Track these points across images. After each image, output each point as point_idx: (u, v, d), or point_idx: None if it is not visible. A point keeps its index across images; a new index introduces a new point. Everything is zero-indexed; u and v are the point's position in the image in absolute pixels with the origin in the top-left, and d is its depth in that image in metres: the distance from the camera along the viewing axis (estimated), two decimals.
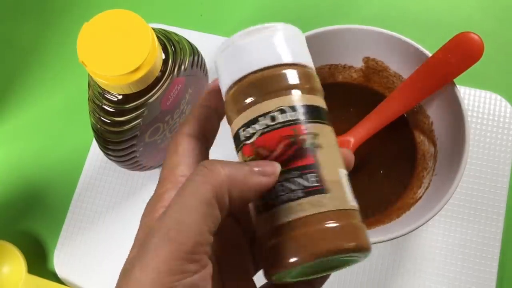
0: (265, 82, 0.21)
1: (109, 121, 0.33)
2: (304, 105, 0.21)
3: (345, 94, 0.42)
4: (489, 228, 0.41)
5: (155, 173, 0.44)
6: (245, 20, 0.48)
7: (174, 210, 0.19)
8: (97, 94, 0.32)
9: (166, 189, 0.22)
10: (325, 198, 0.20)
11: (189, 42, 0.36)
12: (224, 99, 0.23)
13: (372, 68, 0.40)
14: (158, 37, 0.31)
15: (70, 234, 0.43)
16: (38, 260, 0.43)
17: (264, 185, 0.20)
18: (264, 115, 0.21)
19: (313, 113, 0.21)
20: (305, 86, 0.22)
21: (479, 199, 0.42)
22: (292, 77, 0.21)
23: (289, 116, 0.21)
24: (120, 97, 0.31)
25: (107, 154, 0.38)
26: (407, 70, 0.37)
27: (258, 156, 0.21)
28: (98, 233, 0.43)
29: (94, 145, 0.45)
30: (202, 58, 0.39)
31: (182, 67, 0.34)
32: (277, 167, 0.21)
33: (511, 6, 0.48)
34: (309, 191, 0.20)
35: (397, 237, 0.32)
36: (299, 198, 0.20)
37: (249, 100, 0.21)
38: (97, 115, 0.33)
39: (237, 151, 0.22)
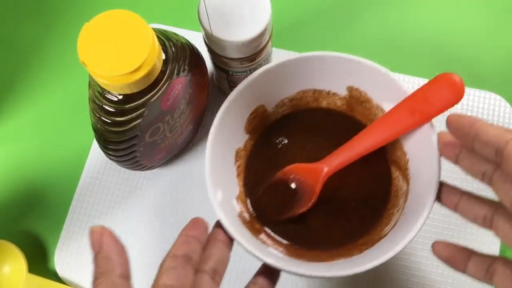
0: None
1: (109, 121, 0.33)
2: None
3: (327, 121, 0.41)
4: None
5: (156, 173, 0.44)
6: None
7: None
8: (97, 94, 0.32)
9: None
10: None
11: (189, 42, 0.36)
12: None
13: (356, 97, 0.39)
14: (158, 37, 0.31)
15: (70, 233, 0.43)
16: (39, 260, 0.43)
17: None
18: None
19: None
20: None
21: None
22: None
23: None
24: (120, 97, 0.31)
25: (107, 154, 0.38)
26: (389, 104, 0.37)
27: None
28: None
29: (95, 145, 0.45)
30: (202, 58, 0.39)
31: (182, 68, 0.34)
32: None
33: (511, 7, 0.48)
34: None
35: (353, 275, 0.31)
36: None
37: None
38: (98, 115, 0.33)
39: None
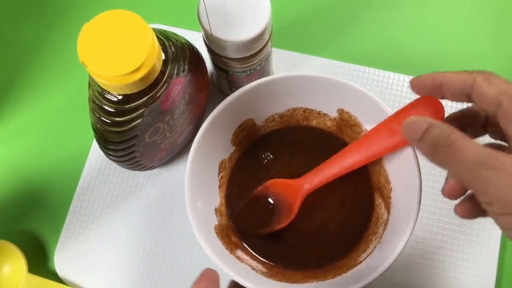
0: None
1: (109, 121, 0.33)
2: None
3: (316, 140, 0.41)
4: (489, 227, 0.41)
5: (155, 173, 0.44)
6: None
7: None
8: (97, 94, 0.32)
9: None
10: None
11: (188, 42, 0.36)
12: None
13: (346, 121, 0.39)
14: (158, 37, 0.31)
15: (70, 233, 0.43)
16: (39, 260, 0.43)
17: None
18: None
19: None
20: None
21: None
22: None
23: None
24: (120, 97, 0.31)
25: (107, 154, 0.38)
26: None
27: None
28: (99, 232, 0.43)
29: (95, 145, 0.45)
30: (202, 58, 0.39)
31: (182, 68, 0.34)
32: None
33: (510, 6, 0.48)
34: None
35: None
36: None
37: None
38: (97, 115, 0.33)
39: None
